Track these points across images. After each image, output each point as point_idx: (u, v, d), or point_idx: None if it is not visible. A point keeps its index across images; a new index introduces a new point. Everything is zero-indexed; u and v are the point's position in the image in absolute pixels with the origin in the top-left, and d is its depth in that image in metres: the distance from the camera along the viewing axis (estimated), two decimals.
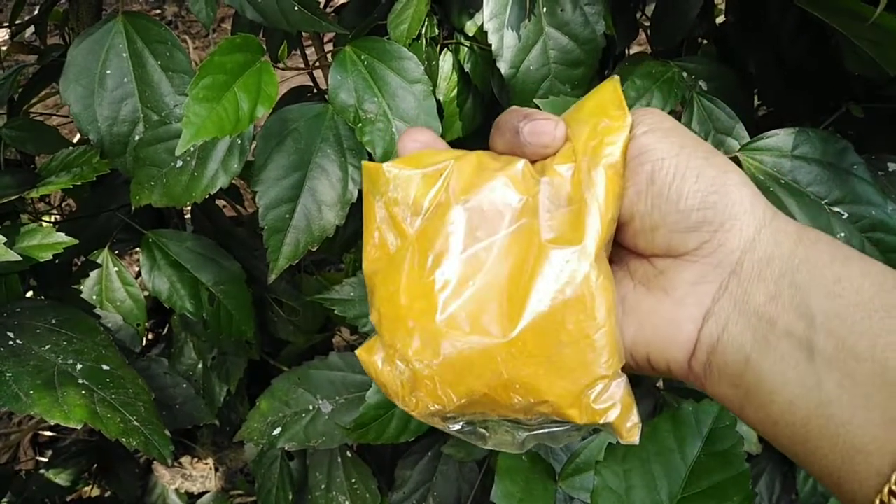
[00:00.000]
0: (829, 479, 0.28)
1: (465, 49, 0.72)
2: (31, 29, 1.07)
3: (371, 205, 0.35)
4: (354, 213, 0.63)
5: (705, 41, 0.83)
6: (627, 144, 0.32)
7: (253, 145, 0.63)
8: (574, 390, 0.30)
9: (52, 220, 0.99)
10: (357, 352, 0.36)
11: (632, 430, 0.31)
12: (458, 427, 0.34)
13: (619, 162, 0.32)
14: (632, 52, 0.86)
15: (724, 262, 0.30)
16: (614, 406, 0.31)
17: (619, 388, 0.31)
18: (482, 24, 0.62)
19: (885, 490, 0.25)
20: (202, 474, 1.07)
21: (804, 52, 0.64)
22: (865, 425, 0.26)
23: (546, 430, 0.34)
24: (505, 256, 0.32)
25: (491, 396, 0.31)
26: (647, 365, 0.33)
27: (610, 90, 0.34)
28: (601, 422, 0.31)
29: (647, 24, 0.79)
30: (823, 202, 0.54)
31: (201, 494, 1.09)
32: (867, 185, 0.54)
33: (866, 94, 0.64)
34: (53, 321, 0.63)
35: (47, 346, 0.60)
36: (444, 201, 0.33)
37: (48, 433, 1.36)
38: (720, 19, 0.88)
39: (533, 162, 0.34)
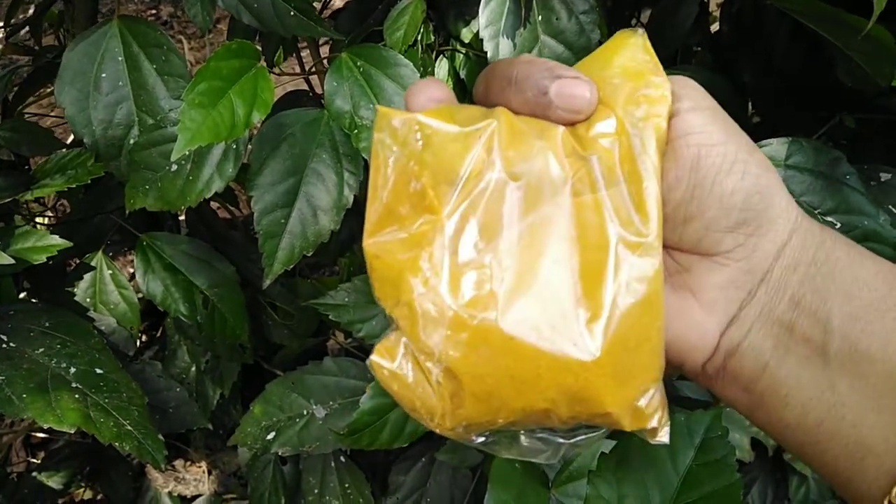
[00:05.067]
0: (837, 479, 0.28)
1: (461, 56, 0.72)
2: (26, 29, 1.06)
3: (382, 164, 0.28)
4: (349, 218, 0.63)
5: (700, 49, 0.84)
6: (669, 118, 0.29)
7: (248, 149, 0.63)
8: (631, 398, 0.27)
9: (46, 221, 0.99)
10: (370, 361, 0.29)
11: (664, 430, 0.29)
12: (481, 439, 0.30)
13: (665, 138, 0.28)
14: None
15: (755, 268, 0.29)
16: (658, 409, 0.28)
17: (660, 390, 0.28)
18: (478, 32, 0.63)
19: (894, 491, 0.25)
20: (195, 478, 1.06)
21: (798, 63, 0.64)
22: (876, 426, 0.26)
23: (581, 437, 0.30)
24: (565, 241, 0.27)
25: (551, 411, 0.27)
26: None
27: (639, 47, 0.30)
28: (648, 427, 0.28)
29: None
30: (816, 212, 0.54)
31: (194, 498, 1.09)
32: (860, 195, 0.54)
33: (859, 104, 0.64)
34: (47, 324, 0.63)
35: (41, 350, 0.59)
36: (485, 171, 0.27)
37: (40, 434, 1.36)
38: (715, 27, 0.88)
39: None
